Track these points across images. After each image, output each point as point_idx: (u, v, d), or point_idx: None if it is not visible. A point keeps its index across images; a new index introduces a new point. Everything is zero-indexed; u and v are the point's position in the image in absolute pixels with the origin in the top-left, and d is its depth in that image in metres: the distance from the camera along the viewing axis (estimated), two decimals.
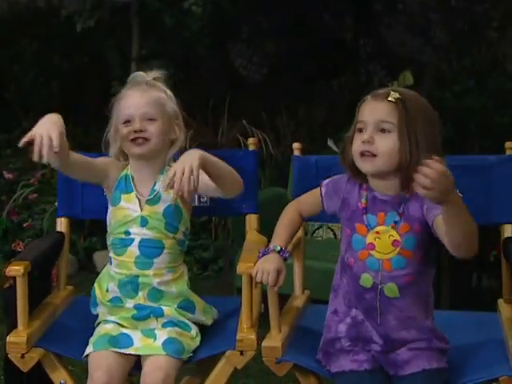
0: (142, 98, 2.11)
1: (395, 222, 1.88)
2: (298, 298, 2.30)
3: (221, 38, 5.98)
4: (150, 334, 2.04)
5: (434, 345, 1.92)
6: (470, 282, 3.60)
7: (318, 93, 5.73)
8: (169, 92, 2.17)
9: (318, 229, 3.80)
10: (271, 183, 4.48)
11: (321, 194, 2.00)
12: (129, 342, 2.02)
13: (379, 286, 1.88)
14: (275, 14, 5.91)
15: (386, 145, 1.83)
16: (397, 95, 1.83)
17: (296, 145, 2.40)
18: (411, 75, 4.52)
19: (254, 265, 1.95)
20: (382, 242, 1.88)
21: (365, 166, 1.87)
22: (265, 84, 6.08)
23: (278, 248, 1.95)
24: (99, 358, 1.98)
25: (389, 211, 1.89)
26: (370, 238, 1.89)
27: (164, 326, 2.06)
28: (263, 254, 1.95)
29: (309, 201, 2.06)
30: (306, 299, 2.31)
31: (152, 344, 2.01)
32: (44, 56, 5.78)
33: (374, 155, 1.84)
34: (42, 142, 1.85)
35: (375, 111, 1.85)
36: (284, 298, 2.19)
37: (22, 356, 2.00)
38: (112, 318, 2.08)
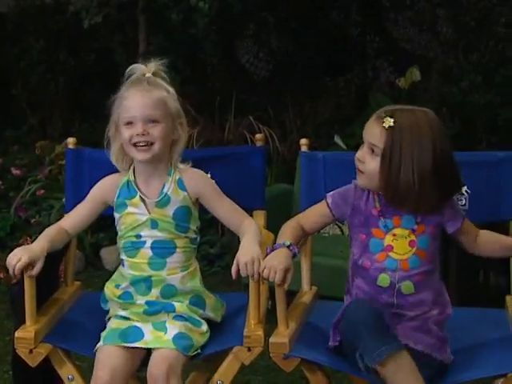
0: (145, 99, 2.04)
1: (414, 225, 1.97)
2: (306, 294, 2.29)
3: (227, 34, 5.97)
4: (161, 326, 2.04)
5: (434, 332, 1.97)
6: (478, 278, 3.60)
7: (325, 89, 5.72)
8: (170, 89, 2.10)
9: None
10: (278, 179, 4.47)
11: (328, 206, 2.05)
12: (139, 335, 2.02)
13: (397, 285, 1.96)
14: (281, 10, 5.90)
15: (372, 166, 1.95)
16: (391, 123, 1.92)
17: (303, 141, 2.40)
18: (418, 71, 4.51)
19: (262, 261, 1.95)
20: (399, 243, 1.97)
21: (358, 179, 2.01)
22: (271, 80, 6.07)
23: (288, 243, 1.97)
24: (106, 356, 1.98)
25: (404, 214, 1.97)
26: (387, 241, 1.98)
27: (175, 318, 2.06)
28: (271, 251, 1.96)
29: (313, 214, 2.09)
30: (314, 295, 2.31)
31: (162, 337, 2.01)
32: (51, 53, 5.78)
33: (362, 172, 1.98)
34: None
35: (370, 132, 1.96)
36: (291, 294, 2.19)
37: (30, 351, 2.00)
38: (123, 313, 2.08)
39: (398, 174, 1.90)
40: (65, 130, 5.40)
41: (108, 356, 1.98)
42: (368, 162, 1.96)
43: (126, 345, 2.00)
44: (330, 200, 2.05)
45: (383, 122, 1.93)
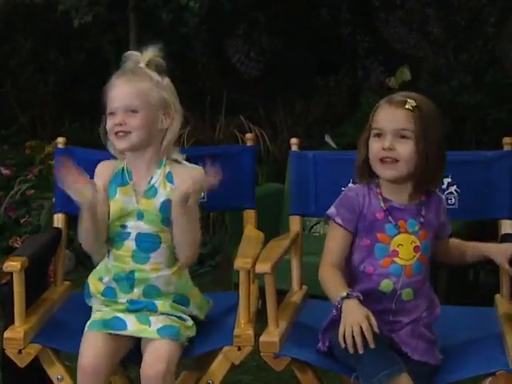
0: (126, 89, 2.06)
1: (418, 229, 1.95)
2: (296, 294, 2.29)
3: (218, 33, 5.97)
4: (145, 320, 2.04)
5: (426, 335, 1.95)
6: (467, 277, 3.61)
7: (315, 88, 5.73)
8: (156, 78, 2.10)
9: (315, 224, 3.79)
10: (268, 179, 4.48)
11: (341, 226, 1.95)
12: (122, 325, 2.03)
13: (398, 292, 1.94)
14: (272, 9, 5.90)
15: (407, 150, 1.91)
16: (414, 103, 1.92)
17: (294, 140, 2.40)
18: (408, 71, 4.53)
19: (253, 260, 1.96)
20: (404, 248, 1.95)
21: (385, 172, 1.94)
22: (262, 79, 6.07)
23: (344, 294, 1.85)
24: (90, 341, 1.98)
25: (408, 219, 1.96)
26: (393, 246, 1.95)
27: (158, 315, 2.06)
28: (337, 311, 1.85)
29: (335, 248, 1.97)
30: (304, 295, 2.31)
31: (147, 329, 2.01)
32: (41, 52, 5.77)
33: (396, 160, 1.92)
34: None
35: (393, 119, 1.92)
36: (282, 293, 2.19)
37: (19, 352, 2.00)
38: (106, 309, 2.08)
39: (432, 151, 1.91)
40: (55, 129, 5.38)
41: (93, 341, 1.98)
42: (401, 148, 1.91)
43: (110, 332, 2.00)
44: (339, 220, 1.95)
45: (404, 105, 1.91)
